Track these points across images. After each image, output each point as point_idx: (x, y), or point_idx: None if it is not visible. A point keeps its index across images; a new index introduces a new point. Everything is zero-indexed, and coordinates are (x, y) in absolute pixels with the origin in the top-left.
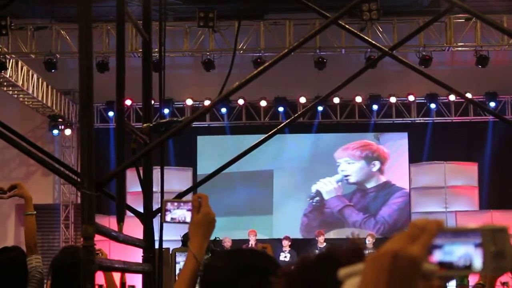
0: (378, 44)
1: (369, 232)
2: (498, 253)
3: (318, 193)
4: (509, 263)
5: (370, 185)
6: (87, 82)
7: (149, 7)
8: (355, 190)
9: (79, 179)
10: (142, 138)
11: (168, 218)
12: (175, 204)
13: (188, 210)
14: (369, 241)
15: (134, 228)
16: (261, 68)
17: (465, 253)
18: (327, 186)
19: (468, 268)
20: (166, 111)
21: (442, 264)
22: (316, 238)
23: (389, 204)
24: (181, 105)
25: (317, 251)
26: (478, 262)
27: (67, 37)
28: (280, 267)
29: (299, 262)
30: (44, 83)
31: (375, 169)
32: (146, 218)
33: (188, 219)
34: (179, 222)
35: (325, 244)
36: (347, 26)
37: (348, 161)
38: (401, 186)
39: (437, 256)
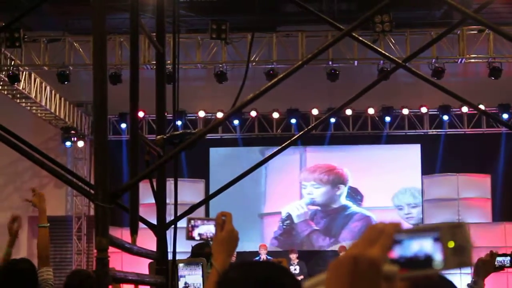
0: (391, 56)
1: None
2: (458, 249)
3: (289, 217)
4: (470, 258)
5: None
6: (101, 94)
7: (163, 19)
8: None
9: (92, 191)
10: (155, 150)
11: (195, 234)
12: (199, 221)
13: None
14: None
15: (145, 240)
16: (275, 80)
17: (425, 251)
18: (298, 210)
19: (430, 266)
20: (178, 123)
21: (403, 264)
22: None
23: (349, 227)
24: (194, 117)
25: None
26: (439, 259)
27: (80, 49)
28: (298, 282)
29: None
30: (57, 95)
31: (339, 192)
32: (159, 230)
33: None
34: (205, 239)
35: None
36: (360, 38)
37: (314, 185)
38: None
39: (398, 256)
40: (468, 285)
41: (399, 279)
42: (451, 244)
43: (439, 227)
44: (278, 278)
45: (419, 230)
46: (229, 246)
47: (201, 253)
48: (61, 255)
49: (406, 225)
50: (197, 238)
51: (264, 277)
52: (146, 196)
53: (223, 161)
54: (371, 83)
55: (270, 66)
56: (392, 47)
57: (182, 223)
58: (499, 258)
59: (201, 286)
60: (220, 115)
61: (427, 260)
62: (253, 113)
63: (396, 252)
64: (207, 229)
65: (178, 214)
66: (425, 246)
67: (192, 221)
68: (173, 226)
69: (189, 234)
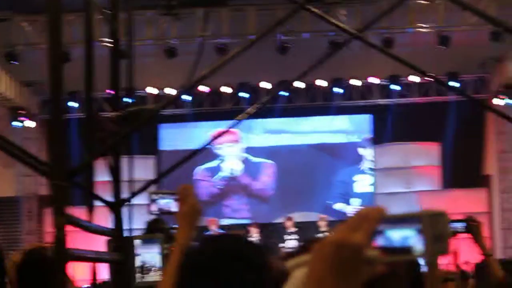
0: (346, 27)
1: (320, 216)
2: (437, 237)
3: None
4: (447, 246)
5: None
6: (56, 72)
7: None
8: None
9: (48, 170)
10: (110, 127)
11: (154, 208)
12: (160, 195)
13: (174, 201)
14: (321, 225)
15: (100, 219)
16: (227, 58)
17: (406, 238)
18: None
19: (410, 252)
20: (128, 100)
21: (385, 250)
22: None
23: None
24: (144, 94)
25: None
26: (419, 246)
27: (29, 28)
28: (265, 255)
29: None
30: (6, 75)
31: None
32: (115, 207)
33: (174, 209)
34: (166, 213)
35: (294, 229)
36: (315, 10)
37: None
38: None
39: (380, 242)
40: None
41: (380, 263)
42: (431, 232)
43: (420, 215)
44: (245, 250)
45: (401, 217)
46: (192, 220)
47: (156, 228)
48: (12, 236)
49: (390, 211)
50: (157, 212)
51: (231, 250)
52: (98, 174)
53: (173, 136)
54: (322, 57)
55: (221, 40)
56: (343, 18)
57: (137, 201)
58: (452, 224)
59: (159, 263)
60: (170, 91)
61: (408, 246)
62: (203, 88)
63: (378, 238)
64: (167, 203)
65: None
66: (406, 232)
67: (153, 195)
68: (128, 203)
69: (150, 208)
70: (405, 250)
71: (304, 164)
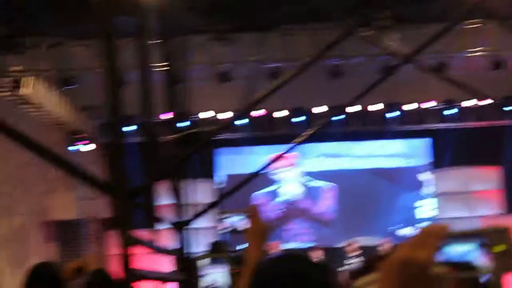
0: (398, 52)
1: (383, 240)
2: (503, 253)
3: None
4: None
5: None
6: (114, 95)
7: (169, 21)
8: None
9: (112, 190)
10: (169, 151)
11: (226, 227)
12: (229, 214)
13: (243, 220)
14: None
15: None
16: (281, 82)
17: (471, 254)
18: None
19: (475, 268)
20: (183, 124)
21: (450, 266)
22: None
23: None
24: (197, 118)
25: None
26: (484, 263)
27: (83, 53)
28: (334, 279)
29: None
30: (62, 100)
31: None
32: (179, 228)
33: (243, 228)
34: (235, 232)
35: (357, 253)
36: (366, 34)
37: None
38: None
39: (445, 258)
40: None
41: (447, 280)
42: (497, 249)
43: (485, 231)
44: (305, 271)
45: (466, 234)
46: (261, 239)
47: (218, 250)
48: (73, 259)
49: (454, 228)
50: (228, 231)
51: (290, 270)
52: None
53: (229, 160)
54: (376, 81)
55: (274, 65)
56: (394, 43)
57: (198, 223)
58: None
59: (224, 283)
60: (224, 115)
61: (473, 262)
62: (258, 113)
63: (444, 255)
64: (237, 221)
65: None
66: (471, 249)
67: (223, 215)
68: (190, 224)
69: (221, 226)
70: (471, 266)
71: (363, 188)
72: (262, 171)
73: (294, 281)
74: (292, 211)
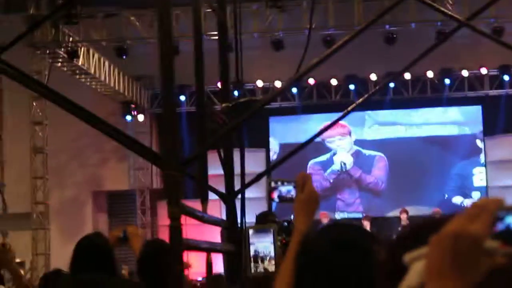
0: (455, 15)
1: (435, 209)
2: None
3: None
4: None
5: None
6: (168, 64)
7: None
8: None
9: (162, 161)
10: (221, 119)
11: (275, 196)
12: (279, 183)
13: (294, 188)
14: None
15: (211, 211)
16: (334, 48)
17: None
18: None
19: None
20: (236, 93)
21: (505, 240)
22: (400, 216)
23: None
24: (252, 87)
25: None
26: None
27: (137, 23)
28: (374, 244)
29: (397, 236)
30: (116, 70)
31: None
32: (229, 198)
33: (295, 196)
34: (286, 200)
35: (408, 222)
36: None
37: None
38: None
39: (499, 232)
40: None
41: (500, 254)
42: None
43: None
44: (354, 238)
45: None
46: (310, 207)
47: (265, 221)
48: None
49: (509, 202)
50: (277, 200)
51: (340, 237)
52: (209, 167)
53: (282, 129)
54: (431, 47)
55: (327, 32)
56: (450, 8)
57: (249, 194)
58: None
59: (272, 253)
60: (278, 83)
61: None
62: (311, 81)
63: (498, 228)
64: (287, 190)
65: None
66: None
67: (272, 183)
68: (240, 194)
69: (270, 195)
70: None
71: (416, 156)
72: (315, 140)
73: (342, 249)
74: (344, 180)
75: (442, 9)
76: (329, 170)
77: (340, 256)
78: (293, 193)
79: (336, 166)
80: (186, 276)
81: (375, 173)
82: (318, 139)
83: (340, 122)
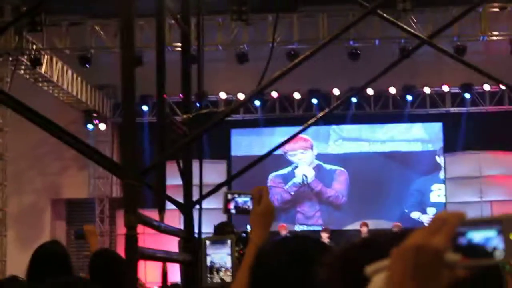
0: (416, 33)
1: (395, 223)
2: None
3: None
4: None
5: None
6: (129, 74)
7: (188, 0)
8: None
9: (121, 170)
10: (181, 130)
11: (232, 207)
12: (236, 195)
13: (251, 200)
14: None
15: (169, 221)
16: (298, 61)
17: (487, 242)
18: None
19: (491, 257)
20: (199, 104)
21: (465, 253)
22: (360, 229)
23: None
24: (215, 99)
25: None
26: (499, 250)
27: (101, 32)
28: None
29: (341, 250)
30: (79, 79)
31: None
32: (186, 208)
33: (251, 209)
34: (242, 212)
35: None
36: (385, 15)
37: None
38: None
39: (460, 245)
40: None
41: (461, 267)
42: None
43: (501, 218)
44: (311, 251)
45: (482, 221)
46: (266, 220)
47: (223, 232)
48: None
49: (470, 215)
50: (234, 211)
51: (296, 250)
52: (168, 178)
53: (244, 141)
54: (394, 62)
55: (291, 46)
56: (413, 25)
57: (207, 204)
58: None
59: (228, 264)
60: (241, 96)
61: (488, 250)
62: (274, 94)
63: (458, 242)
64: (243, 201)
65: (203, 194)
66: (487, 237)
67: (229, 195)
68: (197, 205)
69: (227, 206)
70: (487, 254)
71: (378, 172)
72: (277, 153)
73: (298, 261)
74: (305, 193)
75: (405, 27)
76: (290, 183)
77: (296, 269)
78: (249, 204)
79: (297, 179)
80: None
81: (336, 186)
82: (279, 152)
83: (303, 136)
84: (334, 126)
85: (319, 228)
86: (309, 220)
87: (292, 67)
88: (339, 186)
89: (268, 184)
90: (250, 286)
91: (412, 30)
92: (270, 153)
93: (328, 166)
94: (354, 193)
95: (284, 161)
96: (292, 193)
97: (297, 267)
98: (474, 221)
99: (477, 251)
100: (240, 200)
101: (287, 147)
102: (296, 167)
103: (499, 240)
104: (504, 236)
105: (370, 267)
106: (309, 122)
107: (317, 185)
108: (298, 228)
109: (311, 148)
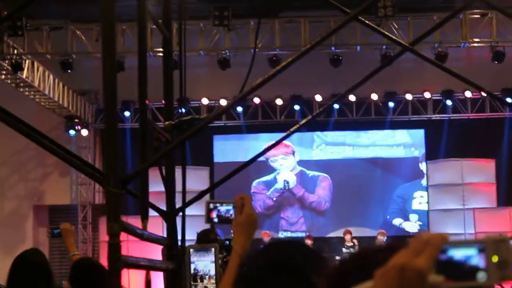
0: (398, 40)
1: (379, 230)
2: (502, 263)
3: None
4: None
5: None
6: (111, 81)
7: (169, 5)
8: None
9: (103, 177)
10: (164, 136)
11: (214, 216)
12: (218, 204)
13: (234, 209)
14: (380, 240)
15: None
16: (280, 67)
17: (469, 264)
18: None
19: (473, 278)
20: (182, 110)
21: (448, 275)
22: (344, 236)
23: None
24: (197, 105)
25: (344, 249)
26: (482, 273)
27: (83, 37)
28: (316, 262)
29: (339, 263)
30: (60, 84)
31: None
32: (169, 216)
33: (233, 217)
34: (225, 221)
35: (352, 243)
36: (367, 22)
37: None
38: None
39: (443, 267)
40: None
41: None
42: (495, 259)
43: (484, 241)
44: (293, 258)
45: (465, 243)
46: (249, 229)
47: (206, 239)
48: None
49: (452, 237)
50: (216, 220)
51: (278, 258)
52: (151, 184)
53: (226, 148)
54: (375, 69)
55: (273, 52)
56: (395, 32)
57: (190, 211)
58: None
59: (212, 271)
60: (223, 102)
61: (471, 272)
62: (257, 100)
63: (441, 263)
64: (226, 209)
65: (186, 201)
66: (469, 258)
67: (211, 204)
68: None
69: (209, 216)
70: (469, 275)
71: (360, 178)
72: (258, 159)
73: (278, 271)
74: (287, 199)
75: (387, 33)
76: (272, 189)
77: (278, 277)
78: (232, 212)
79: (279, 185)
80: None
81: (319, 192)
82: (261, 159)
83: (285, 142)
84: (318, 132)
85: (303, 234)
86: (292, 227)
87: (275, 73)
88: (322, 192)
89: (252, 191)
90: None
91: (393, 37)
92: (253, 160)
93: (310, 173)
94: (337, 200)
95: (266, 168)
96: (275, 199)
97: (279, 275)
98: (457, 243)
99: (459, 273)
100: (223, 208)
101: (268, 153)
102: (278, 173)
103: (480, 258)
104: (487, 259)
105: None
106: (292, 129)
107: (299, 190)
108: (282, 235)
109: (293, 154)
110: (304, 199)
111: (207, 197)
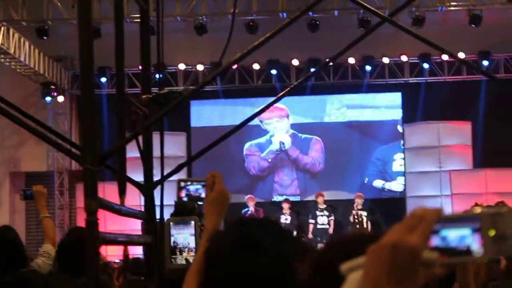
0: (374, 9)
1: (357, 193)
2: (499, 237)
3: None
4: (510, 247)
5: None
6: (87, 49)
7: None
8: None
9: (77, 151)
10: (141, 110)
11: (183, 195)
12: (189, 182)
13: (203, 187)
14: (357, 203)
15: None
16: (262, 39)
17: (465, 239)
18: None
19: (469, 253)
20: (157, 76)
21: (442, 251)
22: (316, 200)
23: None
24: (174, 70)
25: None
26: (478, 247)
27: (59, 3)
28: (280, 239)
29: (324, 249)
30: (36, 50)
31: None
32: (147, 189)
33: (203, 196)
34: (194, 199)
35: (325, 205)
36: None
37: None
38: None
39: (437, 243)
40: None
41: (438, 265)
42: (492, 233)
43: (480, 214)
44: (256, 236)
45: (460, 217)
46: (220, 207)
47: (185, 208)
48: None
49: (447, 211)
50: (185, 199)
51: (242, 236)
52: (129, 151)
53: (204, 113)
54: (356, 39)
55: (250, 17)
56: None
57: (169, 178)
58: None
59: (192, 244)
60: (200, 67)
61: (467, 247)
62: (234, 65)
63: (436, 239)
64: (195, 188)
65: (164, 170)
66: (465, 233)
67: (182, 183)
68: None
69: (179, 195)
70: (463, 251)
71: (337, 141)
72: (252, 123)
73: (245, 249)
74: (282, 160)
75: (364, 4)
76: (267, 150)
77: (243, 255)
78: (201, 191)
79: (274, 146)
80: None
81: (312, 154)
82: (255, 123)
83: (278, 105)
84: (296, 96)
85: (297, 198)
86: (287, 189)
87: (257, 45)
88: (315, 154)
89: (244, 153)
90: (204, 272)
91: (371, 7)
92: (245, 122)
93: (303, 135)
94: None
95: (259, 131)
96: (270, 160)
97: (244, 253)
98: (452, 217)
99: (454, 248)
100: (192, 188)
101: (263, 116)
102: (272, 135)
103: (473, 238)
104: (483, 233)
105: (345, 265)
106: (283, 93)
107: (294, 152)
108: (276, 199)
109: (287, 116)
110: (298, 161)
111: (182, 160)
